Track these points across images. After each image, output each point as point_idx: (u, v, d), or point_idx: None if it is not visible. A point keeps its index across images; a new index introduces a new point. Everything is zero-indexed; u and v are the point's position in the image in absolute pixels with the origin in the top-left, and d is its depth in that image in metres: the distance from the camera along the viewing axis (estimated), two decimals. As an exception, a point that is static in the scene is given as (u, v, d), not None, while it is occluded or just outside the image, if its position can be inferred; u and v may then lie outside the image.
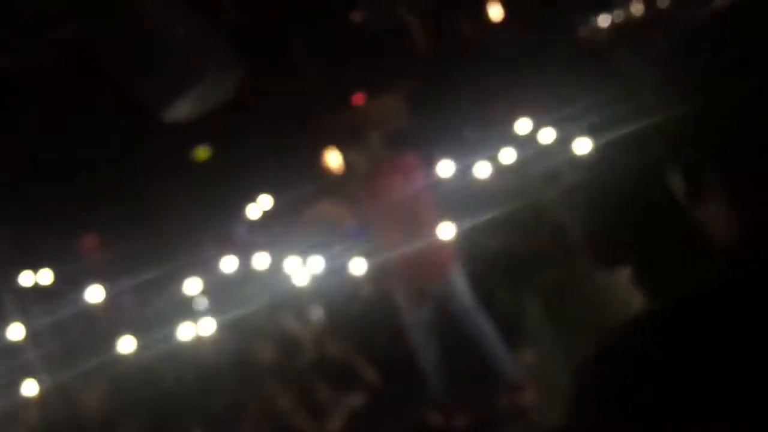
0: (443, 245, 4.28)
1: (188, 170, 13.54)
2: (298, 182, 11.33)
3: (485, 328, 4.30)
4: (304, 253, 6.64)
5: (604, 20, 13.09)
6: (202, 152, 13.81)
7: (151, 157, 12.34)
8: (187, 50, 4.72)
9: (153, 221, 12.51)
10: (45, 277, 9.99)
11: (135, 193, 12.42)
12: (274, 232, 10.68)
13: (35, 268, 8.84)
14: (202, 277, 7.69)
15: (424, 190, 4.23)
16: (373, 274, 5.71)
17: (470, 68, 11.81)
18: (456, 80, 12.42)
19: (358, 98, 14.19)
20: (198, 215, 12.19)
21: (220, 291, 7.39)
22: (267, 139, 12.54)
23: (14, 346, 7.01)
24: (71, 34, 6.15)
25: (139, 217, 12.68)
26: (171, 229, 12.37)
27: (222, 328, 5.96)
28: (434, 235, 4.18)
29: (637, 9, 12.35)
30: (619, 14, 12.98)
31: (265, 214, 11.26)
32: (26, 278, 5.92)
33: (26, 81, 10.91)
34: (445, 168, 5.79)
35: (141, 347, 6.19)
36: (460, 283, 4.25)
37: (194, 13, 4.93)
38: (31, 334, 4.80)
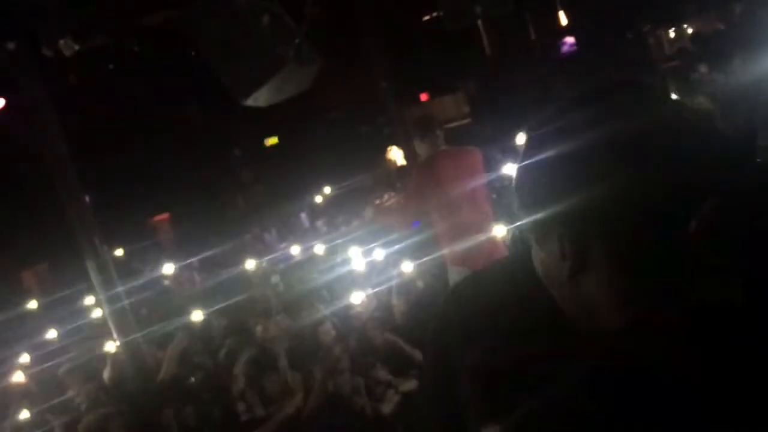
0: (495, 235, 4.45)
1: (257, 157, 14.05)
2: (359, 174, 11.68)
3: None
4: (365, 242, 6.89)
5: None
6: (271, 139, 14.30)
7: (223, 143, 12.92)
8: (270, 40, 4.86)
9: (221, 206, 13.13)
10: (121, 252, 10.65)
11: (205, 177, 13.00)
12: (335, 220, 10.98)
13: (113, 243, 9.39)
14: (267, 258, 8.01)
15: (481, 182, 4.39)
16: (430, 261, 5.96)
17: (533, 72, 11.91)
18: (519, 83, 12.56)
19: (424, 96, 14.49)
20: (264, 203, 12.70)
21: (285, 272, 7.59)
22: (334, 131, 12.94)
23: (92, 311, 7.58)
24: (162, 23, 6.58)
25: (208, 200, 13.32)
26: (238, 214, 12.95)
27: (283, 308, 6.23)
28: (488, 223, 4.36)
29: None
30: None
31: (327, 201, 11.61)
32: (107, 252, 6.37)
33: (116, 64, 11.59)
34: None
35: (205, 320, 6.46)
36: None
37: (279, 5, 5.08)
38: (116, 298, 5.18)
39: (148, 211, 12.96)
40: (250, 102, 5.07)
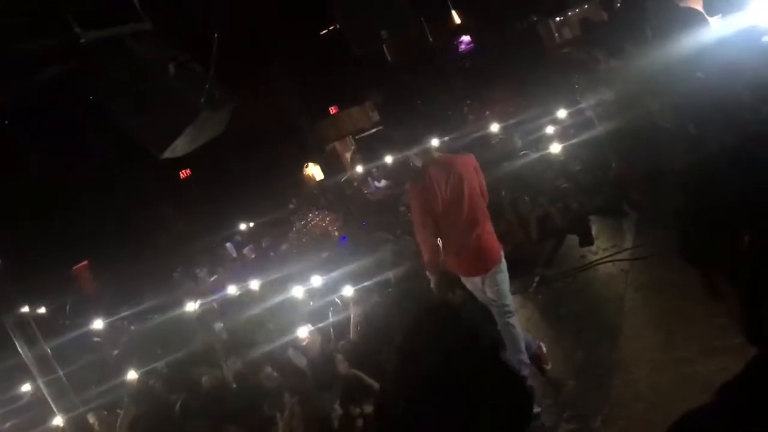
0: (494, 235, 4.62)
1: (172, 190, 13.71)
2: (281, 197, 11.62)
3: (515, 334, 4.48)
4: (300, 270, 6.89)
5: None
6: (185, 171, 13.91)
7: (139, 183, 12.53)
8: (179, 89, 4.75)
9: (143, 245, 12.74)
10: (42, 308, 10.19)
11: (124, 219, 12.59)
12: (262, 247, 10.89)
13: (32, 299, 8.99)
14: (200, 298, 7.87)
15: (475, 185, 4.47)
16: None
17: (436, 73, 12.19)
18: (424, 85, 12.83)
19: (333, 109, 14.58)
20: (187, 236, 12.42)
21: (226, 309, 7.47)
22: (248, 156, 12.81)
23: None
24: (60, 75, 6.35)
25: (126, 241, 12.90)
26: (162, 251, 12.61)
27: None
28: (486, 224, 4.46)
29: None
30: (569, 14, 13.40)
31: (252, 230, 11.50)
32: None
33: (16, 118, 11.07)
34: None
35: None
36: (504, 274, 4.55)
37: (183, 52, 4.97)
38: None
39: (65, 261, 12.45)
40: (167, 155, 4.95)
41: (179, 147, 4.88)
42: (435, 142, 4.74)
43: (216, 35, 5.13)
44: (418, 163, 4.52)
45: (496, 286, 4.48)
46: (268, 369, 5.34)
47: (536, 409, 4.23)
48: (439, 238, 4.46)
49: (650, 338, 4.51)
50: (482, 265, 4.46)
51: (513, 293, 4.89)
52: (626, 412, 3.90)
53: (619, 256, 5.90)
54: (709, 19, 6.95)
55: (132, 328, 8.53)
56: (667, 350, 4.21)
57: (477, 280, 4.52)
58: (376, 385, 4.68)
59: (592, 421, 4.01)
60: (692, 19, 6.93)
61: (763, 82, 5.85)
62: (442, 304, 5.36)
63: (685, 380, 3.76)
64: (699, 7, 6.42)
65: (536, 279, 6.24)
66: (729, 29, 6.67)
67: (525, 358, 4.51)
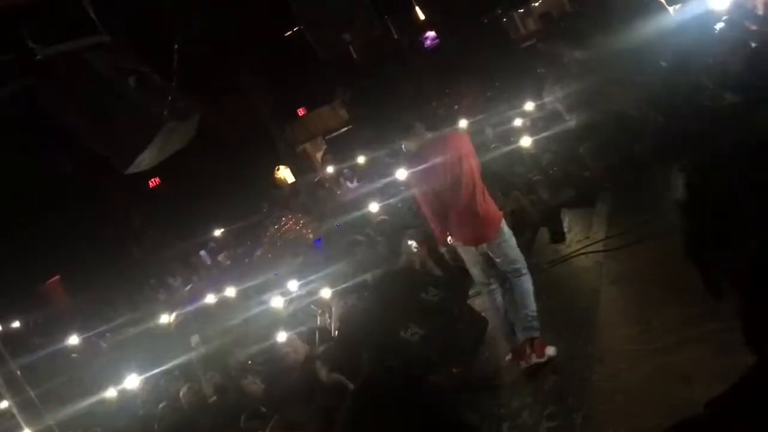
0: (492, 206, 4.71)
1: (145, 203, 13.50)
2: (254, 202, 11.49)
3: (525, 288, 4.64)
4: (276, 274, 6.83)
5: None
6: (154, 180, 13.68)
7: (108, 194, 12.31)
8: (142, 102, 4.66)
9: (115, 256, 12.53)
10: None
11: (94, 231, 12.36)
12: (237, 253, 10.79)
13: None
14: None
15: (470, 158, 4.60)
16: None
17: (403, 70, 12.18)
18: (392, 83, 12.79)
19: (302, 110, 14.49)
20: (159, 245, 12.24)
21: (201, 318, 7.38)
22: (218, 161, 12.65)
23: None
24: (19, 91, 6.20)
25: (97, 253, 12.67)
26: (134, 262, 12.42)
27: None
28: (482, 196, 4.62)
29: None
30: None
31: (226, 236, 11.37)
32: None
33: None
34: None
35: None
36: (508, 242, 4.67)
37: (144, 64, 4.88)
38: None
39: (35, 277, 12.21)
40: (132, 170, 4.86)
41: (145, 160, 4.80)
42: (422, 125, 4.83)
43: (177, 46, 5.06)
44: (413, 147, 4.69)
45: (503, 256, 4.62)
46: (249, 378, 5.28)
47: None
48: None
49: (627, 330, 4.53)
50: (482, 233, 4.60)
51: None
52: (607, 406, 3.92)
53: (592, 248, 5.93)
54: (669, 8, 7.03)
55: (104, 345, 8.38)
56: (644, 342, 4.23)
57: (476, 250, 4.64)
58: (352, 386, 4.64)
59: (574, 417, 4.01)
60: (653, 8, 7.01)
61: (720, 68, 5.92)
62: (417, 305, 5.40)
63: (664, 371, 3.78)
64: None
65: (511, 274, 6.23)
66: (686, 17, 6.77)
67: (532, 312, 4.57)
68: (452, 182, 4.53)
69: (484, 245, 4.62)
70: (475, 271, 4.75)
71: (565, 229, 6.58)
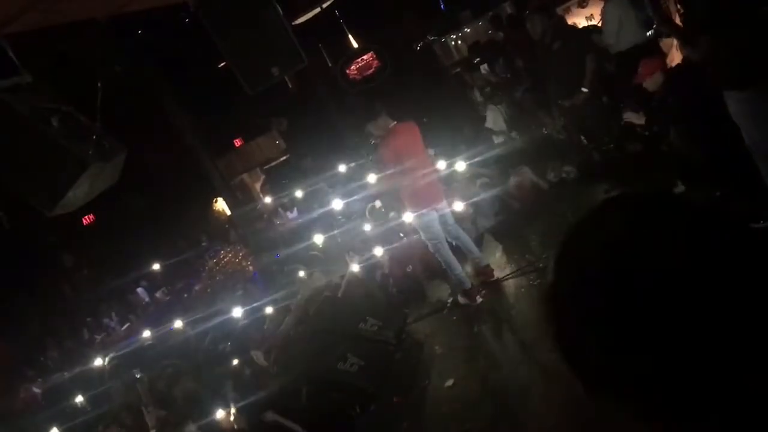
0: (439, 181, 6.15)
1: (74, 238, 13.10)
2: (191, 235, 11.31)
3: (464, 236, 6.07)
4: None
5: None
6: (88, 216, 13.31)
7: (38, 233, 11.90)
8: (65, 143, 4.56)
9: (47, 297, 12.08)
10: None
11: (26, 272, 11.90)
12: (175, 288, 10.57)
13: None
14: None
15: (421, 142, 5.88)
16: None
17: (338, 97, 12.23)
18: (327, 110, 12.84)
19: (238, 141, 14.37)
20: (94, 282, 11.87)
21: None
22: (151, 196, 12.41)
23: None
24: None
25: (28, 294, 12.19)
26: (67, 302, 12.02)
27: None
28: (434, 172, 5.94)
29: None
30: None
31: (164, 271, 11.12)
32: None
33: None
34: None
35: None
36: (448, 210, 6.02)
37: (67, 104, 4.79)
38: None
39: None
40: (58, 211, 4.74)
41: (70, 202, 4.70)
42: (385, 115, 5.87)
43: (99, 84, 4.99)
44: (381, 132, 5.73)
45: (450, 224, 6.00)
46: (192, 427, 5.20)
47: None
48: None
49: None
50: (434, 199, 5.83)
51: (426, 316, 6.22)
52: None
53: (527, 269, 6.06)
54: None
55: (37, 390, 8.05)
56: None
57: (434, 214, 5.80)
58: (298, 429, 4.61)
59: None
60: (574, 37, 7.27)
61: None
62: (356, 335, 5.41)
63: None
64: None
65: (449, 301, 6.35)
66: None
67: (477, 252, 6.10)
68: (414, 160, 5.65)
69: (440, 208, 5.85)
70: (435, 230, 5.83)
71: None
